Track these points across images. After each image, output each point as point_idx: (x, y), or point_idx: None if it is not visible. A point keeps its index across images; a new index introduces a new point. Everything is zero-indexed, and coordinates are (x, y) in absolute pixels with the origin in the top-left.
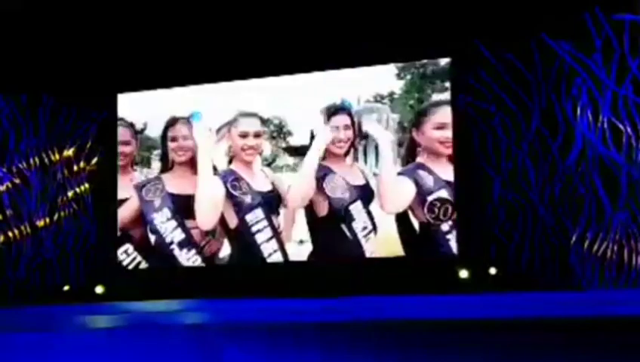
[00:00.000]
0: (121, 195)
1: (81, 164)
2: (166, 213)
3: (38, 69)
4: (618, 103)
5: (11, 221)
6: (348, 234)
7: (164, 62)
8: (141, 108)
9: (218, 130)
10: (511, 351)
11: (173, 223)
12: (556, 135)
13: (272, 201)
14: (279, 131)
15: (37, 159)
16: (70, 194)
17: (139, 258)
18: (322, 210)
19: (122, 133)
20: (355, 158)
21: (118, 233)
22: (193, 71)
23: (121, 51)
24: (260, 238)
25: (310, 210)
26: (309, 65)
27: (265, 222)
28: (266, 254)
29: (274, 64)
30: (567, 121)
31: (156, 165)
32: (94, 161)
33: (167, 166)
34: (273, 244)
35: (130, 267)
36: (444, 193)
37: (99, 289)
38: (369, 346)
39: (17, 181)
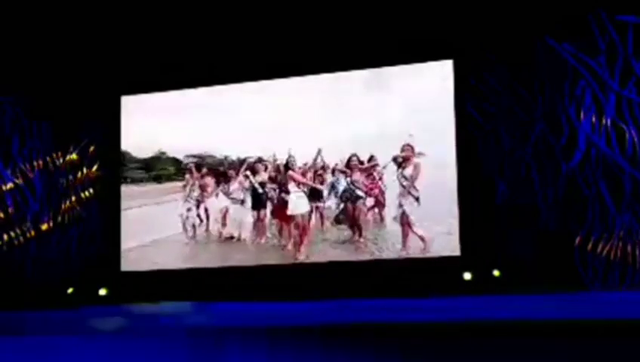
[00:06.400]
0: None
1: (85, 167)
2: None
3: (42, 72)
4: (622, 105)
5: (15, 224)
6: None
7: (167, 63)
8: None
9: None
10: (514, 354)
11: None
12: (560, 137)
13: None
14: None
15: (41, 162)
16: (74, 196)
17: None
18: None
19: None
20: None
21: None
22: (197, 72)
23: (125, 53)
24: None
25: None
26: (308, 67)
27: None
28: None
29: (280, 65)
30: (570, 123)
31: None
32: (98, 163)
33: None
34: None
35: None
36: None
37: (102, 292)
38: (369, 348)
39: (21, 184)
